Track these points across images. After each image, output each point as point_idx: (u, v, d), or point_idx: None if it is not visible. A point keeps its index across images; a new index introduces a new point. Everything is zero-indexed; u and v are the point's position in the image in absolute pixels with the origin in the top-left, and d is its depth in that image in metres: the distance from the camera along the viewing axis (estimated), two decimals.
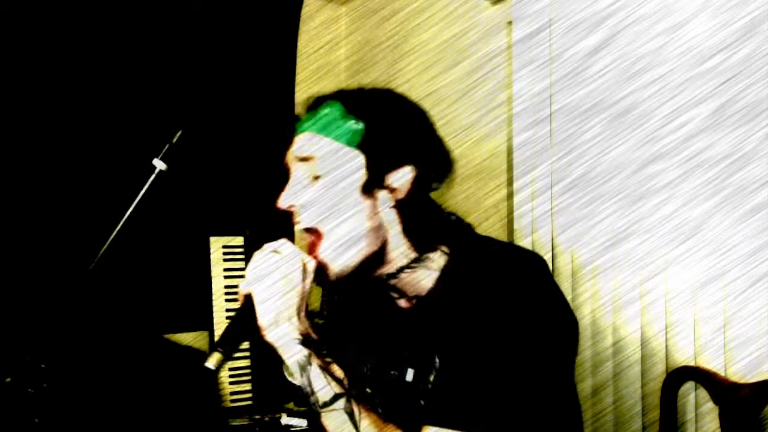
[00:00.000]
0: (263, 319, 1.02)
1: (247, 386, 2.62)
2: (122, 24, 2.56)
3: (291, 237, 1.14)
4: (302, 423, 2.46)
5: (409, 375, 1.10)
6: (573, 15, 2.07)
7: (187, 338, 2.68)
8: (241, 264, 2.73)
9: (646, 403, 1.88)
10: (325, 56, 3.24)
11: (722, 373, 1.69)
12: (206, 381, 0.92)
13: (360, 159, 1.08)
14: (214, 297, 2.64)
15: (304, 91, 3.19)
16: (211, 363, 0.98)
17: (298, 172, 1.15)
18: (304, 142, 1.13)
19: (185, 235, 2.66)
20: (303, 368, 1.04)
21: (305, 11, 3.19)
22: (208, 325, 2.63)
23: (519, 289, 1.01)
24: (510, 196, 2.33)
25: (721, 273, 1.72)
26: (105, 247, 1.85)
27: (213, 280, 2.66)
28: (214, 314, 2.63)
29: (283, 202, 1.15)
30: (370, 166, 1.07)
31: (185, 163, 1.98)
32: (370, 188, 1.07)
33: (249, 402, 2.60)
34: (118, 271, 2.10)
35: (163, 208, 2.27)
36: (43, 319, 1.96)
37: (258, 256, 1.08)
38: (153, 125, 2.38)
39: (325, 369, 1.03)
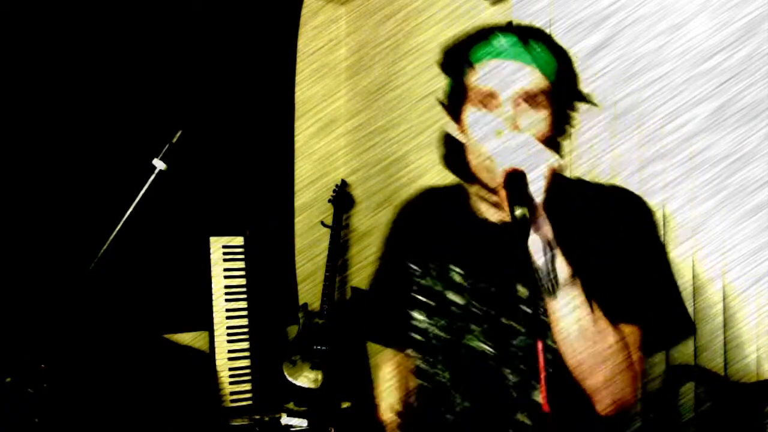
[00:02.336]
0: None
1: (247, 386, 2.62)
2: (123, 24, 2.56)
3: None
4: (302, 423, 2.46)
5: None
6: (573, 15, 2.07)
7: (187, 338, 2.68)
8: (241, 264, 2.73)
9: (646, 403, 1.88)
10: (325, 56, 3.25)
11: (722, 373, 1.69)
12: (521, 228, 1.02)
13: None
14: (214, 297, 2.65)
15: (304, 91, 3.20)
16: (519, 212, 1.03)
17: (521, 108, 1.16)
18: (529, 77, 1.16)
19: (185, 235, 2.66)
20: (550, 254, 1.08)
21: (305, 11, 3.19)
22: (208, 325, 2.63)
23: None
24: None
25: (721, 273, 1.72)
26: (105, 247, 1.85)
27: (213, 280, 2.66)
28: (214, 314, 2.63)
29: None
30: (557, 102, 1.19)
31: (185, 163, 1.98)
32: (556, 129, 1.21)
33: (249, 402, 2.61)
34: (118, 271, 2.10)
35: (163, 208, 2.28)
36: (43, 319, 1.96)
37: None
38: (153, 125, 2.38)
39: None
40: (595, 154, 2.01)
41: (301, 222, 3.14)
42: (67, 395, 1.93)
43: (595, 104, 1.26)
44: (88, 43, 2.48)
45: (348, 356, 2.84)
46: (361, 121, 3.15)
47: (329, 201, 3.02)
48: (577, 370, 1.09)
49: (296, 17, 3.17)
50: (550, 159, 1.05)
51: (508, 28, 1.19)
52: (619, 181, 1.95)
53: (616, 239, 1.16)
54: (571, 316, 1.07)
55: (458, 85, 1.22)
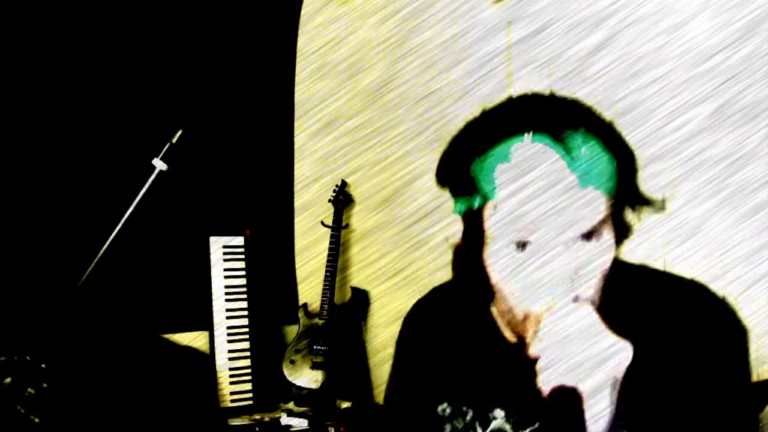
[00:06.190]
0: None
1: (247, 386, 2.62)
2: (123, 24, 2.56)
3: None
4: (302, 423, 2.46)
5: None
6: (573, 15, 2.07)
7: (187, 338, 2.68)
8: (241, 264, 2.73)
9: None
10: (325, 56, 3.24)
11: None
12: None
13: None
14: (214, 297, 2.64)
15: (304, 91, 3.19)
16: None
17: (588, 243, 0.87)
18: (597, 209, 0.84)
19: (185, 235, 2.66)
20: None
21: (305, 11, 3.19)
22: (208, 325, 2.63)
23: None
24: None
25: (721, 273, 1.71)
26: (105, 247, 1.85)
27: (213, 280, 2.66)
28: (214, 314, 2.63)
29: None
30: (616, 212, 0.91)
31: (185, 163, 1.98)
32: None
33: (249, 402, 2.60)
34: (118, 271, 2.10)
35: (163, 208, 2.28)
36: (44, 319, 1.96)
37: None
38: (153, 125, 2.38)
39: None
40: None
41: (301, 222, 3.13)
42: (67, 395, 1.93)
43: (664, 208, 0.99)
44: (88, 43, 2.48)
45: (348, 356, 2.84)
46: (361, 121, 3.15)
47: (329, 201, 3.02)
48: None
49: (296, 17, 3.17)
50: (621, 347, 0.81)
51: (536, 119, 0.85)
52: None
53: (698, 366, 0.89)
54: None
55: (472, 216, 0.89)
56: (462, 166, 0.89)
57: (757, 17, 1.66)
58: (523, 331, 0.89)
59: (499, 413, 0.97)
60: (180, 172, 1.97)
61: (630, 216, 0.93)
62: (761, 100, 1.65)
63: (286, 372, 2.71)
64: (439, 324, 1.05)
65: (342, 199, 3.00)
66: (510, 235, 0.85)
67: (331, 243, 2.89)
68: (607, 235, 0.88)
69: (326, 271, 2.85)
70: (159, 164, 1.90)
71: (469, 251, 0.92)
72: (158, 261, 2.56)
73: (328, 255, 2.87)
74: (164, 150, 1.93)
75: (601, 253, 0.87)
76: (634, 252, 1.90)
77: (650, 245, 1.87)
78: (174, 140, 1.97)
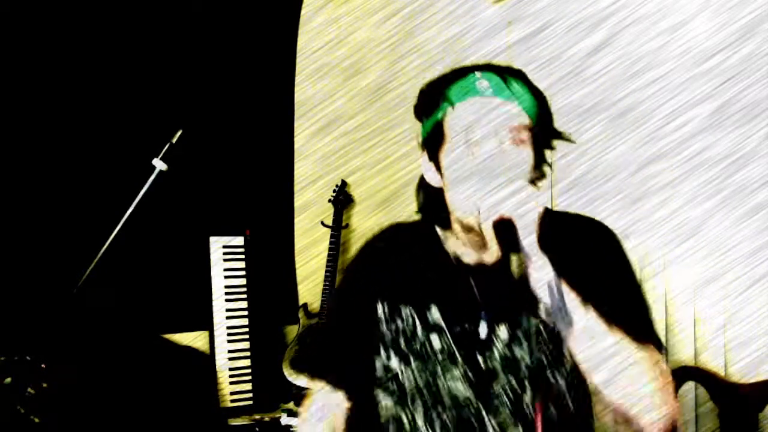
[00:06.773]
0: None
1: (247, 386, 2.62)
2: (123, 24, 2.56)
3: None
4: None
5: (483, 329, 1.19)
6: (573, 15, 2.07)
7: (187, 338, 2.68)
8: (241, 264, 2.73)
9: None
10: (325, 56, 3.24)
11: (722, 373, 1.69)
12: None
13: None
14: (214, 297, 2.64)
15: (304, 91, 3.19)
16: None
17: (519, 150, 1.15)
18: (513, 113, 1.14)
19: (185, 235, 2.66)
20: (557, 287, 1.02)
21: (305, 11, 3.19)
22: (208, 325, 2.63)
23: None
24: None
25: (721, 273, 1.72)
26: (105, 247, 1.85)
27: (213, 280, 2.66)
28: (214, 314, 2.63)
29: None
30: (536, 142, 1.17)
31: (185, 163, 1.98)
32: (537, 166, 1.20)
33: (249, 402, 2.61)
34: (118, 271, 2.10)
35: (163, 208, 2.28)
36: (44, 319, 1.96)
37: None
38: (153, 125, 2.38)
39: None
40: (595, 154, 2.01)
41: (301, 222, 3.13)
42: (67, 395, 1.93)
43: (571, 141, 1.23)
44: (89, 43, 2.48)
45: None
46: (361, 121, 3.15)
47: (329, 201, 3.02)
48: (616, 392, 1.07)
49: (296, 17, 3.17)
50: (538, 198, 1.05)
51: (486, 68, 1.18)
52: (619, 181, 1.96)
53: (595, 268, 1.18)
54: (593, 337, 1.04)
55: (436, 126, 1.18)
56: (434, 94, 1.19)
57: (757, 17, 1.67)
58: (474, 238, 1.17)
59: (435, 310, 1.21)
60: (180, 172, 1.96)
61: (547, 154, 1.21)
62: (761, 100, 1.66)
63: (286, 372, 2.71)
64: (392, 248, 1.31)
65: (342, 199, 3.00)
66: (462, 133, 1.13)
67: (331, 243, 2.89)
68: (527, 150, 1.14)
69: (326, 271, 2.85)
70: (159, 164, 1.90)
71: (430, 156, 1.21)
72: (158, 261, 2.56)
73: (328, 255, 2.87)
74: (164, 150, 1.93)
75: (525, 159, 1.14)
76: (634, 251, 1.90)
77: (650, 245, 1.88)
78: (174, 140, 1.97)
